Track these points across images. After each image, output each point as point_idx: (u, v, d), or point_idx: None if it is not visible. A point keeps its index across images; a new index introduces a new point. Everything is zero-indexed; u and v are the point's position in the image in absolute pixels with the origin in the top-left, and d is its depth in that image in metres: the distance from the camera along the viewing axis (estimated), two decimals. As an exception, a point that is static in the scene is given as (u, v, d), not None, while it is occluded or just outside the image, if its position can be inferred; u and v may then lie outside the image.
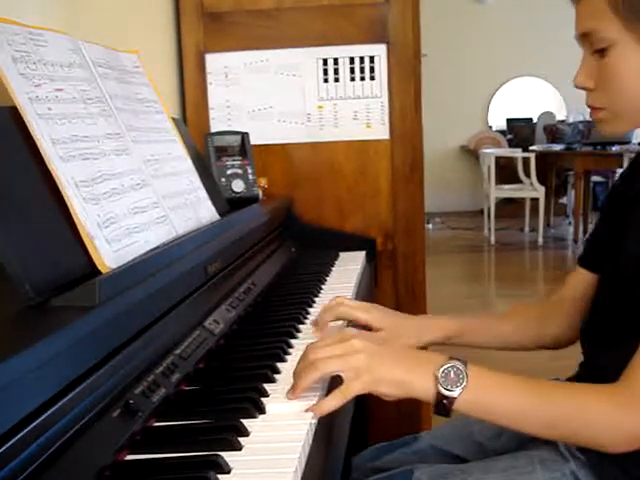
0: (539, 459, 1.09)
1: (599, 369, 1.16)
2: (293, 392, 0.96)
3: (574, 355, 1.24)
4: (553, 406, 0.94)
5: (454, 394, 0.92)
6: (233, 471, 0.77)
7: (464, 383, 0.93)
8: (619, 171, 4.88)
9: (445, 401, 0.92)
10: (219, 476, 0.75)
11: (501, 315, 1.39)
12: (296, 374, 0.97)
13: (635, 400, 0.90)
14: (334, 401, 0.92)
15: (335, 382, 0.97)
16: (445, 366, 0.94)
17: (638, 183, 1.10)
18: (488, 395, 0.95)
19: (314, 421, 0.91)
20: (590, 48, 1.02)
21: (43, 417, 0.71)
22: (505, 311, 1.38)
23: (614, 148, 5.85)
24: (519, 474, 1.08)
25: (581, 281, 1.27)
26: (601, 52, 1.00)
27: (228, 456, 0.79)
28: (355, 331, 1.03)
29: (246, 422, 0.88)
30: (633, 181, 1.12)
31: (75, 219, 0.98)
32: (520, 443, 1.21)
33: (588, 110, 1.08)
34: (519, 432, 1.02)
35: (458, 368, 0.93)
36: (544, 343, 1.33)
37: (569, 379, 1.23)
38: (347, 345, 0.97)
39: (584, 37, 1.02)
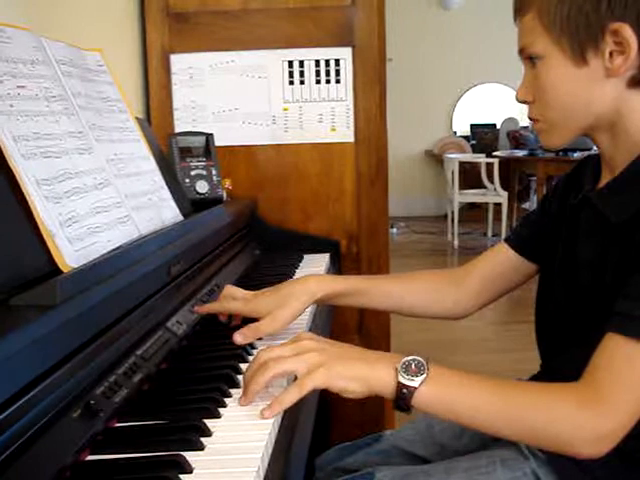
0: (500, 459, 1.10)
1: (555, 369, 1.17)
2: (245, 398, 0.95)
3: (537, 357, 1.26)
4: (515, 404, 0.93)
5: (414, 384, 0.92)
6: (195, 471, 0.77)
7: (425, 375, 0.92)
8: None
9: (405, 391, 0.92)
10: (181, 476, 0.75)
11: (395, 276, 1.40)
12: (247, 378, 0.96)
13: (597, 399, 0.90)
14: (290, 396, 0.91)
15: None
16: (407, 359, 0.94)
17: (583, 189, 1.12)
18: (449, 389, 0.94)
19: (277, 421, 0.91)
20: (527, 63, 1.08)
21: (2, 417, 0.70)
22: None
23: (575, 154, 5.92)
24: (480, 474, 1.09)
25: (503, 260, 1.30)
26: (534, 65, 1.06)
27: (190, 456, 0.78)
28: (308, 334, 1.03)
29: (209, 422, 0.87)
30: (580, 186, 1.14)
31: (36, 217, 0.97)
32: (482, 443, 1.22)
33: None
34: (480, 432, 1.03)
35: (419, 361, 0.93)
36: (436, 311, 1.35)
37: (530, 379, 1.25)
38: (298, 345, 0.97)
39: (521, 52, 1.08)
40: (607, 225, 1.04)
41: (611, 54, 0.99)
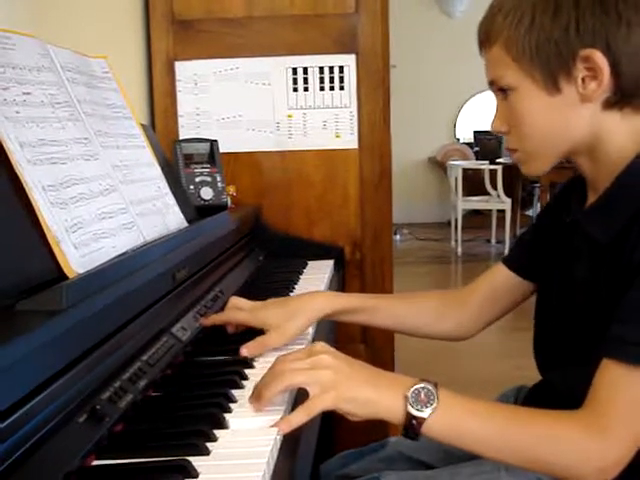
0: (505, 465, 1.10)
1: (550, 384, 1.18)
2: (258, 401, 0.94)
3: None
4: (523, 435, 0.93)
5: (424, 415, 0.91)
6: (201, 476, 0.77)
7: (434, 404, 0.92)
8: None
9: (414, 422, 0.91)
10: (187, 481, 0.75)
11: (400, 296, 1.41)
12: (262, 384, 0.96)
13: (602, 429, 0.90)
14: (299, 417, 0.91)
15: (302, 397, 0.96)
16: (416, 387, 0.93)
17: (574, 209, 1.12)
18: (458, 418, 0.94)
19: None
20: (499, 94, 1.07)
21: (8, 422, 0.70)
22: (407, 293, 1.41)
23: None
24: (485, 480, 1.09)
25: (503, 280, 1.30)
26: (506, 96, 1.05)
27: (196, 461, 0.78)
28: (325, 346, 1.03)
29: (214, 428, 0.87)
30: (569, 207, 1.14)
31: (42, 223, 0.97)
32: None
33: None
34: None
35: (429, 389, 0.93)
36: (438, 332, 1.36)
37: (531, 389, 1.25)
38: (316, 359, 0.96)
39: (492, 84, 1.08)
40: (596, 246, 1.04)
41: (583, 80, 0.99)
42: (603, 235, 1.03)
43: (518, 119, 1.05)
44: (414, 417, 0.91)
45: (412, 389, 0.93)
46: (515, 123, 1.06)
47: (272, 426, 0.90)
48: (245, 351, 1.17)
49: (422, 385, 0.93)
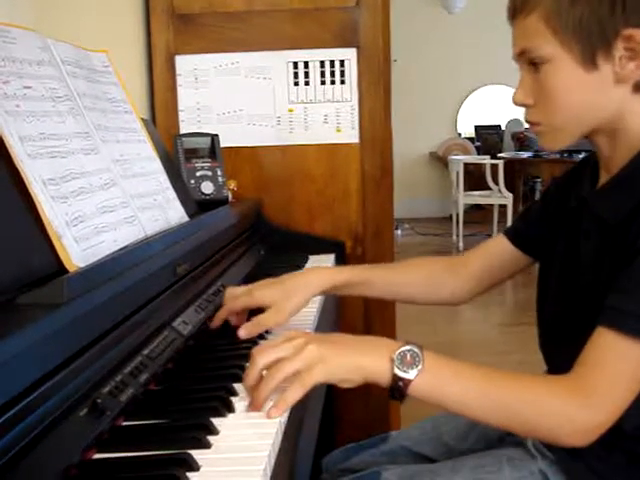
0: (507, 458, 1.10)
1: (557, 368, 1.17)
2: (254, 407, 0.93)
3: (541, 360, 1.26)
4: (506, 395, 0.94)
5: (410, 376, 0.93)
6: (202, 469, 0.77)
7: (420, 366, 0.93)
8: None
9: (400, 383, 0.93)
10: (188, 474, 0.75)
11: (394, 265, 1.44)
12: (249, 387, 0.95)
13: (587, 392, 0.91)
14: (293, 394, 0.91)
15: None
16: (402, 349, 0.94)
17: (585, 189, 1.12)
18: (444, 379, 0.95)
19: (283, 420, 0.91)
20: (527, 66, 1.05)
21: (8, 415, 0.70)
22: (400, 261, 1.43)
23: (581, 156, 5.92)
24: (487, 473, 1.09)
25: (502, 252, 1.32)
26: (537, 68, 1.04)
27: (197, 454, 0.78)
28: (300, 330, 1.04)
29: (215, 421, 0.87)
30: (580, 187, 1.14)
31: (43, 217, 0.97)
32: (488, 443, 1.22)
33: None
34: (481, 425, 1.03)
35: (414, 351, 0.94)
36: (434, 299, 1.38)
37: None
38: (295, 343, 0.96)
39: (521, 55, 1.06)
40: (605, 226, 1.04)
41: (621, 59, 0.98)
42: (612, 215, 1.03)
43: (548, 92, 1.03)
44: (400, 378, 0.93)
45: (398, 351, 0.94)
46: (543, 96, 1.04)
47: (269, 411, 0.90)
48: (243, 332, 1.18)
49: (408, 347, 0.94)
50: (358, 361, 0.95)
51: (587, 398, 0.91)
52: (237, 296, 1.27)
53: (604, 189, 1.07)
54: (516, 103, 1.09)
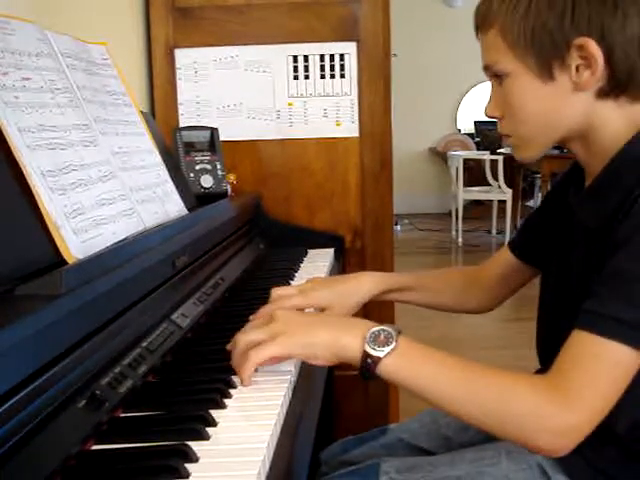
0: (505, 450, 1.10)
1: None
2: (243, 383, 0.98)
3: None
4: (479, 388, 0.92)
5: (380, 354, 0.92)
6: (201, 460, 0.77)
7: (392, 345, 0.93)
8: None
9: (369, 360, 0.93)
10: (187, 465, 0.74)
11: (429, 273, 1.45)
12: (234, 364, 0.99)
13: (563, 393, 0.89)
14: (248, 365, 0.96)
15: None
16: (376, 328, 0.95)
17: (571, 194, 1.12)
18: (415, 361, 0.94)
19: (283, 411, 0.91)
20: (493, 79, 1.07)
21: (6, 406, 0.70)
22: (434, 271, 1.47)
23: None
24: (485, 466, 1.09)
25: (508, 264, 1.34)
26: (500, 82, 1.05)
27: (196, 446, 0.78)
28: (283, 309, 1.07)
29: (214, 413, 0.87)
30: (574, 188, 1.14)
31: (41, 209, 0.97)
32: (488, 437, 1.22)
33: None
34: (442, 412, 1.02)
35: (389, 332, 0.94)
36: (463, 309, 1.42)
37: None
38: (270, 317, 1.01)
39: (486, 69, 1.07)
40: (588, 232, 1.04)
41: (577, 68, 0.98)
42: (593, 221, 1.03)
43: (511, 105, 1.05)
44: (370, 355, 0.93)
45: (372, 330, 0.95)
46: (509, 109, 1.06)
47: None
48: None
49: (383, 327, 0.95)
50: (327, 337, 0.96)
51: (564, 399, 0.88)
52: (286, 296, 1.26)
53: (584, 195, 1.07)
54: (487, 115, 1.11)
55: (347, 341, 0.95)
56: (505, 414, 0.91)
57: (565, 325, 1.08)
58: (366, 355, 0.93)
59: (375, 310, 2.21)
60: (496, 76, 1.06)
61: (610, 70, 0.98)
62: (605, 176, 1.02)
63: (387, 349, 0.93)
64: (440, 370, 0.94)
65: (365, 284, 1.33)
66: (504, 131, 1.09)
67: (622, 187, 0.99)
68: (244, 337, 1.00)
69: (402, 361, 0.93)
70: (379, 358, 0.92)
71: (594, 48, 0.96)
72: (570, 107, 1.02)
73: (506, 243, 1.38)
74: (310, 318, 1.03)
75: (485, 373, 0.94)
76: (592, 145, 1.04)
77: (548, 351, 1.17)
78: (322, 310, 1.26)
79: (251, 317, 1.16)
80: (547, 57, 0.99)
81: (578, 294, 1.03)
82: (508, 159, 6.97)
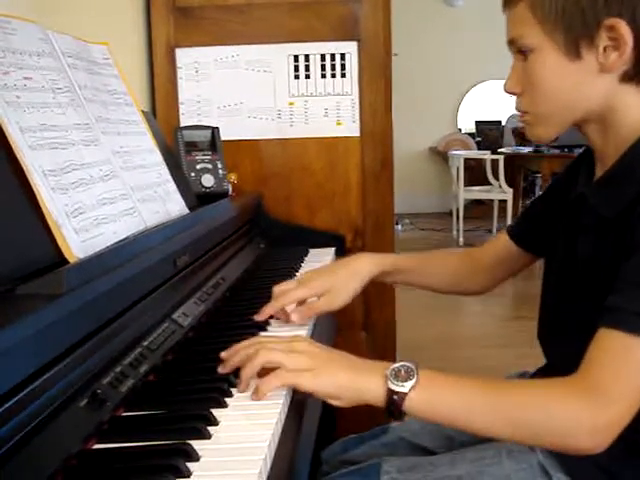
0: (506, 450, 1.10)
1: (554, 365, 1.18)
2: (240, 385, 0.96)
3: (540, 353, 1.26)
4: (510, 403, 0.92)
5: (404, 389, 0.90)
6: (202, 459, 0.77)
7: (414, 379, 0.91)
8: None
9: (396, 397, 0.90)
10: (188, 464, 0.75)
11: (425, 254, 1.46)
12: (240, 363, 0.98)
13: (594, 392, 0.89)
14: (269, 384, 0.93)
15: None
16: (396, 365, 0.93)
17: (581, 183, 1.12)
18: (441, 392, 0.93)
19: (284, 410, 0.91)
20: (517, 54, 1.06)
21: (8, 405, 0.70)
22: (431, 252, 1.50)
23: (581, 151, 5.89)
24: (486, 465, 1.09)
25: (505, 249, 1.35)
26: (525, 57, 1.04)
27: (197, 445, 0.78)
28: (305, 337, 1.06)
29: (215, 412, 0.88)
30: (576, 181, 1.14)
31: (43, 208, 0.97)
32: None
33: None
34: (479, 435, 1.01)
35: (409, 367, 0.92)
36: (457, 291, 1.45)
37: (534, 372, 1.25)
38: (292, 345, 0.98)
39: (512, 43, 1.06)
40: (602, 220, 1.03)
41: (605, 49, 0.98)
42: (609, 210, 1.02)
43: (534, 81, 1.04)
44: (395, 392, 0.91)
45: (392, 367, 0.93)
46: (530, 85, 1.05)
47: (252, 397, 0.93)
48: (295, 317, 1.23)
49: (401, 364, 0.93)
50: (351, 378, 0.94)
51: (596, 397, 0.88)
52: (287, 291, 1.27)
53: (599, 183, 1.06)
54: (506, 91, 1.09)
55: (369, 382, 0.93)
56: (541, 423, 0.90)
57: (568, 309, 1.08)
58: (391, 392, 0.91)
59: (376, 309, 2.22)
60: (520, 51, 1.05)
61: (637, 54, 0.97)
62: (621, 165, 1.02)
63: (410, 383, 0.91)
64: (468, 396, 0.93)
65: (365, 265, 1.34)
66: (522, 108, 1.08)
67: (638, 179, 0.99)
68: (267, 353, 0.97)
69: (428, 393, 0.92)
70: (405, 394, 0.90)
71: (625, 30, 0.96)
72: (592, 88, 1.01)
73: (505, 228, 1.38)
74: (333, 357, 0.98)
75: (512, 389, 0.95)
76: (609, 129, 1.04)
77: (551, 337, 1.17)
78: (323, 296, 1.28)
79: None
80: (576, 35, 0.98)
81: (583, 278, 1.03)
82: (509, 159, 6.97)
